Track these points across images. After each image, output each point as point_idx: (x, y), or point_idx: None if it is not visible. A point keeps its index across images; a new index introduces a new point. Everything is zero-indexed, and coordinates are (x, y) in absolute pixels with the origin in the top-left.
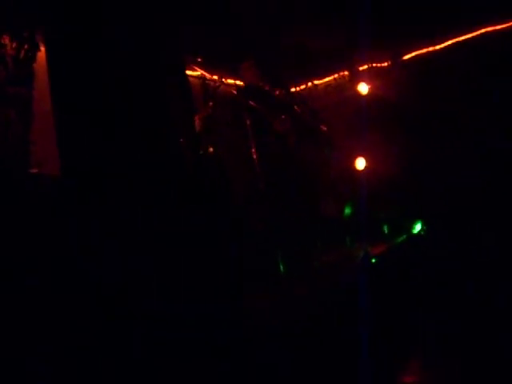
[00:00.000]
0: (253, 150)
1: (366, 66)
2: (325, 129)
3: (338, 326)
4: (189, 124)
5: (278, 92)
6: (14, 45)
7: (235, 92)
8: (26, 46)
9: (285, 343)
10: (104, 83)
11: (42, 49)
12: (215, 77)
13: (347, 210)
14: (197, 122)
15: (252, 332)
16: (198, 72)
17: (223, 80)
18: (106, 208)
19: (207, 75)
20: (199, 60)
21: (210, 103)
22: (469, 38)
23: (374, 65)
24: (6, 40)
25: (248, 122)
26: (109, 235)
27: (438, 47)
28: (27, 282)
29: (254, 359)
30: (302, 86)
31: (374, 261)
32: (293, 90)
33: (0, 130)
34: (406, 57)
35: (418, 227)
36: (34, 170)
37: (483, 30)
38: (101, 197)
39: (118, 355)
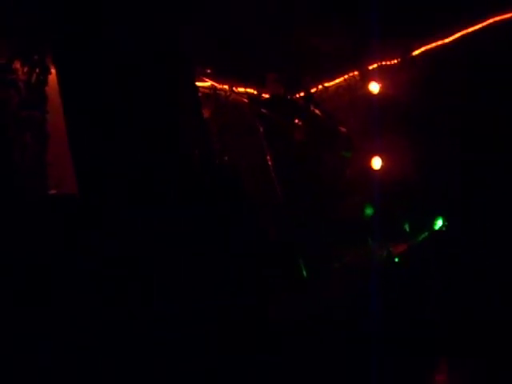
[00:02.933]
0: (268, 157)
1: (375, 65)
2: (344, 130)
3: (361, 326)
4: (201, 133)
5: (296, 96)
6: (25, 69)
7: (246, 100)
8: (37, 70)
9: (309, 345)
10: (117, 100)
11: (53, 71)
12: (226, 86)
13: (367, 210)
14: (210, 131)
15: (276, 334)
16: (209, 82)
17: (234, 89)
18: (120, 221)
19: (217, 85)
20: (209, 71)
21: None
22: (478, 29)
23: (383, 63)
24: (18, 65)
25: (261, 130)
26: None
27: (447, 40)
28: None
29: (278, 361)
30: (313, 90)
31: (396, 260)
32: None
33: (17, 154)
34: (416, 52)
35: (439, 223)
36: (53, 191)
37: (492, 20)
38: (116, 213)
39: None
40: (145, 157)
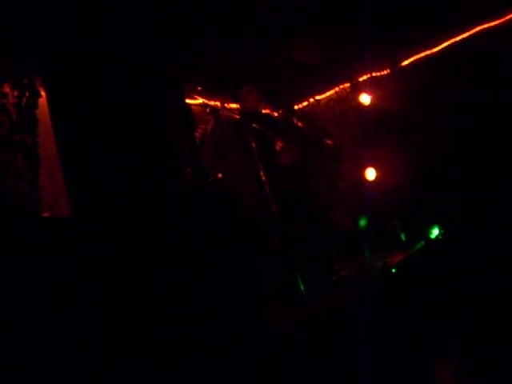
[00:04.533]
0: (261, 173)
1: (365, 77)
2: (330, 142)
3: (361, 337)
4: (192, 150)
5: (280, 112)
6: (15, 93)
7: (238, 116)
8: (27, 94)
9: (308, 359)
10: (107, 121)
11: (43, 93)
12: (217, 103)
13: (362, 221)
14: (201, 138)
15: (276, 349)
16: (200, 100)
17: (225, 105)
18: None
19: (209, 102)
20: (199, 89)
21: (210, 115)
22: (465, 37)
23: (373, 74)
24: (7, 89)
25: (253, 145)
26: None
27: (435, 50)
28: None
29: (279, 376)
30: (304, 103)
31: (393, 270)
32: (295, 107)
33: (11, 179)
34: (405, 63)
35: (435, 232)
36: (46, 214)
37: (479, 28)
38: (111, 234)
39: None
40: (136, 178)
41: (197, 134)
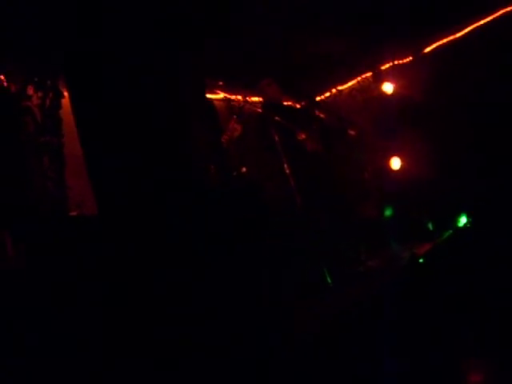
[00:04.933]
0: (285, 166)
1: (388, 65)
2: (353, 132)
3: (389, 330)
4: (216, 145)
5: (302, 104)
6: (39, 94)
7: (260, 110)
8: (50, 95)
9: (334, 352)
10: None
11: (66, 94)
12: (239, 97)
13: (388, 212)
14: (227, 143)
15: (301, 343)
16: (221, 95)
17: (247, 99)
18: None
19: (231, 96)
20: (220, 83)
21: (238, 124)
22: (488, 21)
23: (396, 62)
24: (31, 91)
25: (276, 138)
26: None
27: (458, 35)
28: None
29: (302, 369)
30: (327, 94)
31: (421, 261)
32: (317, 98)
33: (38, 179)
34: (428, 49)
35: (463, 220)
36: (74, 213)
37: (502, 11)
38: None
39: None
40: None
41: (223, 140)
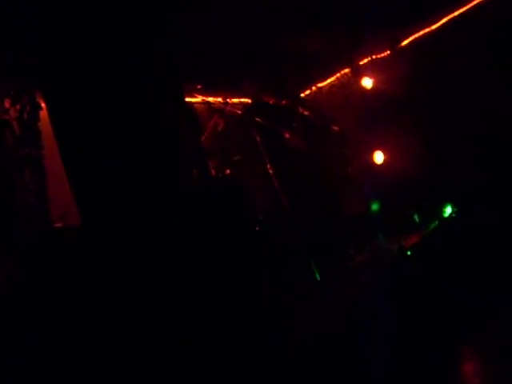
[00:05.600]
0: (268, 166)
1: (366, 60)
2: (336, 129)
3: (379, 326)
4: (197, 147)
5: (284, 102)
6: (16, 107)
7: (240, 112)
8: (27, 108)
9: (328, 350)
10: (107, 121)
11: (43, 105)
12: (219, 99)
13: (374, 205)
14: (208, 144)
15: (293, 342)
16: (199, 98)
17: (228, 101)
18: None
19: (211, 99)
20: (199, 87)
21: (220, 119)
22: (463, 12)
23: (374, 57)
24: (8, 104)
25: (258, 139)
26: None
27: (434, 27)
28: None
29: (296, 369)
30: (307, 92)
31: (408, 253)
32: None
33: (20, 192)
34: (404, 43)
35: (448, 210)
36: (58, 225)
37: (476, 1)
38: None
39: None
40: (137, 178)
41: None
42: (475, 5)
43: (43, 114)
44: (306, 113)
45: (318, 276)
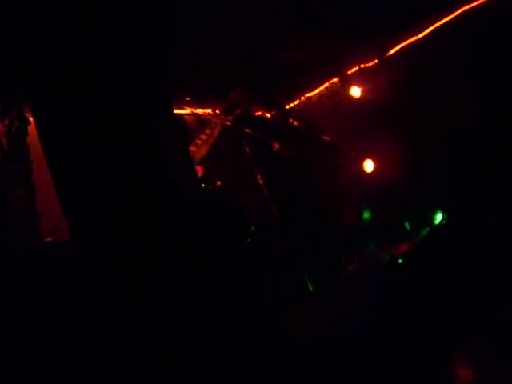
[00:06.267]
0: (258, 176)
1: (354, 69)
2: (327, 138)
3: (372, 335)
4: (186, 162)
5: (273, 113)
6: (5, 122)
7: (229, 123)
8: (16, 123)
9: (323, 361)
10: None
11: (32, 119)
12: (209, 110)
13: (365, 214)
14: (199, 156)
15: (288, 351)
16: (188, 110)
17: (217, 112)
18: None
19: (200, 111)
20: (187, 99)
21: (216, 127)
22: (449, 20)
23: (361, 66)
24: None
25: (248, 150)
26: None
27: (421, 35)
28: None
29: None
30: (296, 102)
31: (400, 261)
32: (287, 107)
33: (10, 208)
34: (392, 51)
35: (438, 217)
36: (49, 239)
37: (462, 9)
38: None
39: None
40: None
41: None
42: (461, 13)
43: (31, 128)
44: (295, 123)
45: (309, 285)
